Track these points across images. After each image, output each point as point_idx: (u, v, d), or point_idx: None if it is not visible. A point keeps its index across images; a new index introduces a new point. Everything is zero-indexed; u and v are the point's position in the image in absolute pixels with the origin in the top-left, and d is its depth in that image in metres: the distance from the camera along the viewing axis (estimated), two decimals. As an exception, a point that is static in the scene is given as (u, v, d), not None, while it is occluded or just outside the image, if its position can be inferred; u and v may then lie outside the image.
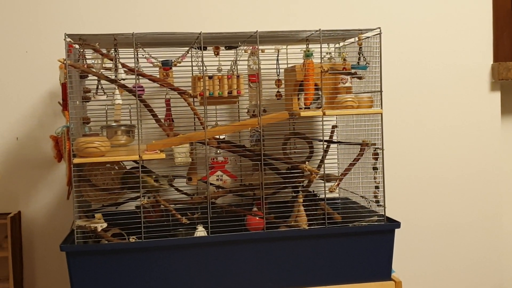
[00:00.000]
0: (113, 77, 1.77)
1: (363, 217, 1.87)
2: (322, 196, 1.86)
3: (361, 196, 1.95)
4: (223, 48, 1.94)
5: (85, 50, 1.77)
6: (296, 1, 2.22)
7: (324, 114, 1.78)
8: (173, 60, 1.85)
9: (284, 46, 2.03)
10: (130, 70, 1.79)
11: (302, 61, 1.87)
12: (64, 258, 1.67)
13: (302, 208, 1.86)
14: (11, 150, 2.09)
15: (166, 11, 2.15)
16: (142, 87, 1.80)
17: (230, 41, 1.88)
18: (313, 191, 2.01)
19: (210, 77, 1.80)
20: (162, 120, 1.90)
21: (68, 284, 1.78)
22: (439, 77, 2.33)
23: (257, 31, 1.76)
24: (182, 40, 1.82)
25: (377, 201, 1.86)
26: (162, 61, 1.84)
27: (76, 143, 1.66)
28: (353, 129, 2.02)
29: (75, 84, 1.74)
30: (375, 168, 1.87)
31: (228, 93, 1.83)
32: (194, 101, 1.91)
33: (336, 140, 2.06)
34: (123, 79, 1.77)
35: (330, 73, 1.85)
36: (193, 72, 1.91)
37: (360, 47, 1.90)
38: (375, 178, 1.87)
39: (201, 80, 1.79)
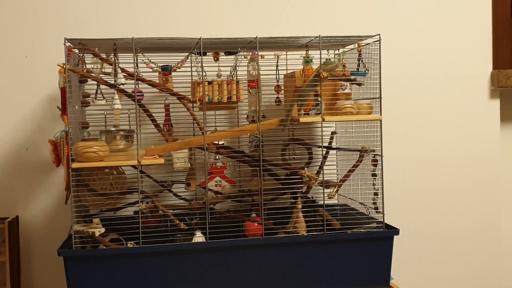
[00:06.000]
0: (112, 82, 1.77)
1: (362, 223, 1.87)
2: (321, 202, 1.86)
3: (360, 203, 1.94)
4: (223, 53, 1.94)
5: (84, 54, 1.77)
6: (296, 7, 2.23)
7: (323, 120, 1.77)
8: (172, 65, 1.85)
9: (284, 52, 2.03)
10: (129, 75, 1.79)
11: (301, 67, 1.87)
12: (62, 263, 1.66)
13: (301, 214, 1.86)
14: (10, 154, 2.08)
15: (166, 16, 2.15)
16: (141, 92, 1.80)
17: (230, 46, 1.88)
18: (312, 197, 2.00)
19: (210, 83, 1.80)
20: (161, 125, 1.90)
21: (65, 289, 1.78)
22: (439, 84, 2.33)
23: (256, 37, 1.76)
24: (181, 46, 1.82)
25: (376, 208, 1.86)
26: (161, 66, 1.84)
27: (74, 148, 1.66)
28: (352, 136, 2.02)
29: (74, 89, 1.74)
30: (374, 175, 1.87)
31: (228, 98, 1.83)
32: (193, 106, 1.91)
33: (335, 146, 2.06)
34: (123, 84, 1.77)
35: (329, 79, 1.85)
36: (193, 78, 1.91)
37: (360, 54, 1.90)
38: (374, 184, 1.87)
39: (201, 85, 1.79)
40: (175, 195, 1.96)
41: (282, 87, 2.00)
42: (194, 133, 1.98)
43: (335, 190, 1.89)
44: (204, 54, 1.87)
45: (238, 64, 1.91)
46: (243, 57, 1.92)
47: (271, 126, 1.83)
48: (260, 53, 1.84)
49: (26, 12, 2.08)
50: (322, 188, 1.85)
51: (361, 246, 1.79)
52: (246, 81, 1.93)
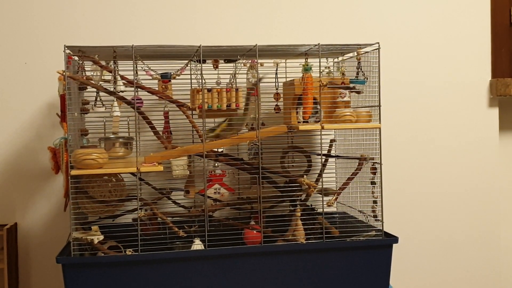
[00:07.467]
0: (112, 89, 1.77)
1: (361, 231, 1.87)
2: (320, 210, 1.86)
3: (359, 211, 1.94)
4: (222, 61, 1.95)
5: (84, 62, 1.77)
6: (296, 15, 2.23)
7: (322, 128, 1.78)
8: (172, 73, 1.85)
9: (283, 60, 2.04)
10: (129, 82, 1.79)
11: (301, 75, 1.87)
12: (60, 270, 1.66)
13: (300, 222, 1.85)
14: (9, 161, 2.08)
15: (165, 24, 2.15)
16: (140, 99, 1.80)
17: (229, 54, 1.89)
18: (311, 205, 2.00)
19: (209, 90, 1.81)
20: (161, 133, 1.90)
21: (63, 296, 1.78)
22: (438, 92, 2.34)
23: (256, 44, 1.77)
24: (181, 53, 1.83)
25: (375, 216, 1.86)
26: (161, 73, 1.84)
27: (73, 155, 1.66)
28: (351, 143, 2.02)
29: (74, 96, 1.74)
30: (373, 183, 1.87)
31: (227, 106, 1.83)
32: (192, 114, 1.91)
33: (334, 154, 2.06)
34: (122, 91, 1.77)
35: (328, 87, 1.85)
36: (192, 85, 1.91)
37: (359, 62, 1.90)
38: (373, 192, 1.87)
39: (200, 93, 1.79)
40: (174, 202, 1.96)
41: (282, 95, 2.00)
42: (193, 141, 1.98)
43: (334, 198, 1.88)
44: (204, 61, 1.87)
45: (237, 72, 1.91)
46: (242, 64, 1.92)
47: (270, 134, 1.83)
48: (259, 60, 1.84)
49: (26, 19, 2.08)
50: (321, 196, 1.85)
51: (360, 254, 1.79)
52: (246, 89, 1.93)
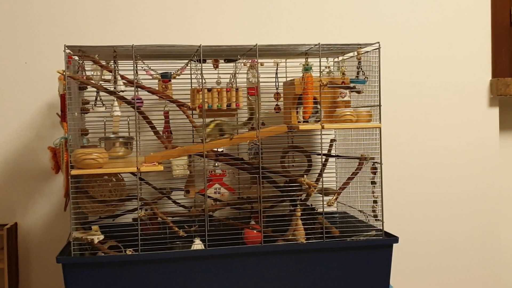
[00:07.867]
0: (112, 89, 1.77)
1: (361, 231, 1.87)
2: (320, 210, 1.86)
3: (359, 211, 1.94)
4: (222, 61, 1.95)
5: (84, 61, 1.77)
6: (296, 15, 2.23)
7: (322, 127, 1.78)
8: (172, 73, 1.85)
9: (283, 60, 2.04)
10: (129, 82, 1.79)
11: (301, 74, 1.87)
12: (61, 270, 1.65)
13: (300, 222, 1.85)
14: (9, 161, 2.08)
15: (166, 24, 2.15)
16: (141, 99, 1.80)
17: (230, 54, 1.89)
18: (311, 205, 2.00)
19: (209, 90, 1.81)
20: (161, 132, 1.90)
21: (63, 296, 1.78)
22: (438, 92, 2.33)
23: (256, 44, 1.77)
24: (181, 53, 1.83)
25: (375, 216, 1.86)
26: (161, 73, 1.84)
27: (74, 155, 1.66)
28: (351, 143, 2.02)
29: (74, 96, 1.74)
30: (373, 183, 1.87)
31: (227, 106, 1.83)
32: (192, 113, 1.91)
33: (334, 154, 2.06)
34: (122, 91, 1.77)
35: (329, 87, 1.85)
36: (192, 85, 1.91)
37: (359, 62, 1.90)
38: (373, 192, 1.87)
39: (200, 92, 1.79)
40: (174, 202, 1.96)
41: (282, 95, 2.00)
42: (193, 140, 1.98)
43: (334, 197, 1.88)
44: (204, 61, 1.87)
45: (237, 72, 1.91)
46: (242, 64, 1.92)
47: (271, 134, 1.83)
48: (259, 60, 1.84)
49: (26, 19, 2.08)
50: (321, 195, 1.85)
51: (360, 254, 1.79)
52: (246, 89, 1.94)
